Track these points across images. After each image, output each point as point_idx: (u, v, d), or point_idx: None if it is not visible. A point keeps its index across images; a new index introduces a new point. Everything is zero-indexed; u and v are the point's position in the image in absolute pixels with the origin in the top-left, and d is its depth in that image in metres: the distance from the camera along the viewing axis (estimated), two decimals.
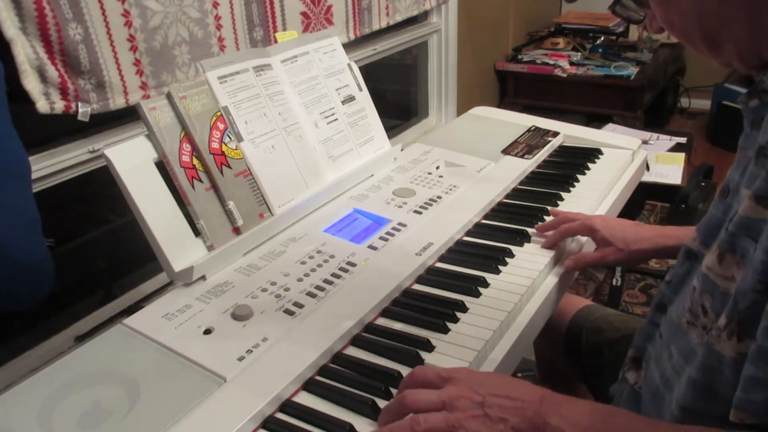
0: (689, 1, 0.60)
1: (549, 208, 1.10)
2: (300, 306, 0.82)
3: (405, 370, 0.72)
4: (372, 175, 1.19)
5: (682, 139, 2.31)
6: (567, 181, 1.20)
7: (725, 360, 0.57)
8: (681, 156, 2.18)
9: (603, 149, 1.35)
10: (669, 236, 0.94)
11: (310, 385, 0.72)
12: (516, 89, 3.07)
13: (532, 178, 1.24)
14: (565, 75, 2.90)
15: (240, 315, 0.80)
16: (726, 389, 0.57)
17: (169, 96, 0.91)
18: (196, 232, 0.90)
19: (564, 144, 1.41)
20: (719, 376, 0.58)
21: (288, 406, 0.69)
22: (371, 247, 0.96)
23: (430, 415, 0.59)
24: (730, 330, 0.56)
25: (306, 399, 0.70)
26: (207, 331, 0.78)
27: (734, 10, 0.57)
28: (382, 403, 0.67)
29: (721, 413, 0.57)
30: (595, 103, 2.93)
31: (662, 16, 0.64)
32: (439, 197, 1.11)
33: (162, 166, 0.88)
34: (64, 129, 1.18)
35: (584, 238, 1.03)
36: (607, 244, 0.96)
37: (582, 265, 0.97)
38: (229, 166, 0.94)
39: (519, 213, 1.09)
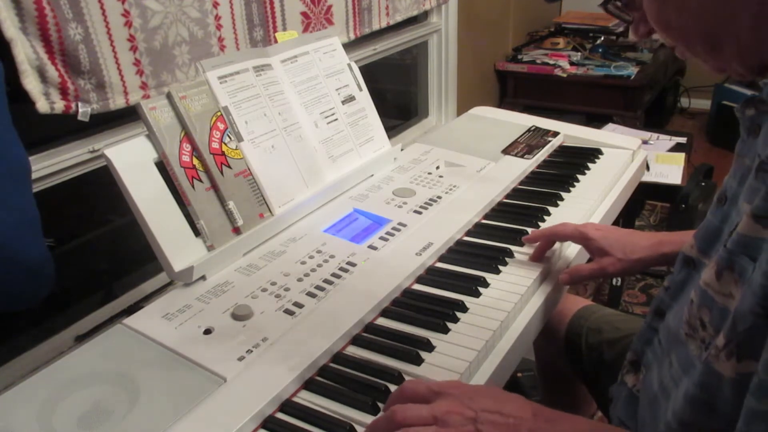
0: None
1: (549, 207, 1.10)
2: (300, 306, 0.82)
3: (405, 370, 0.73)
4: (372, 175, 1.19)
5: (682, 139, 2.31)
6: (567, 181, 1.20)
7: (724, 379, 0.56)
8: (681, 156, 2.18)
9: (603, 149, 1.35)
10: (666, 243, 0.90)
11: (310, 385, 0.72)
12: (516, 89, 3.07)
13: (532, 178, 1.24)
14: (565, 75, 2.90)
15: (240, 315, 0.80)
16: (725, 406, 0.57)
17: (169, 96, 0.91)
18: (196, 232, 0.90)
19: (564, 144, 1.41)
20: (718, 394, 0.57)
21: (288, 406, 0.69)
22: (371, 247, 0.96)
23: (420, 431, 0.57)
24: (728, 351, 0.55)
25: (306, 399, 0.70)
26: (207, 331, 0.78)
27: (740, 6, 0.54)
28: (382, 404, 0.67)
29: (719, 429, 0.57)
30: (595, 103, 2.92)
31: (656, 14, 0.60)
32: (439, 197, 1.11)
33: (162, 166, 0.88)
34: (64, 129, 1.18)
35: (577, 247, 1.00)
36: (603, 253, 0.91)
37: (578, 279, 0.93)
38: (229, 166, 0.94)
39: (519, 213, 1.09)
